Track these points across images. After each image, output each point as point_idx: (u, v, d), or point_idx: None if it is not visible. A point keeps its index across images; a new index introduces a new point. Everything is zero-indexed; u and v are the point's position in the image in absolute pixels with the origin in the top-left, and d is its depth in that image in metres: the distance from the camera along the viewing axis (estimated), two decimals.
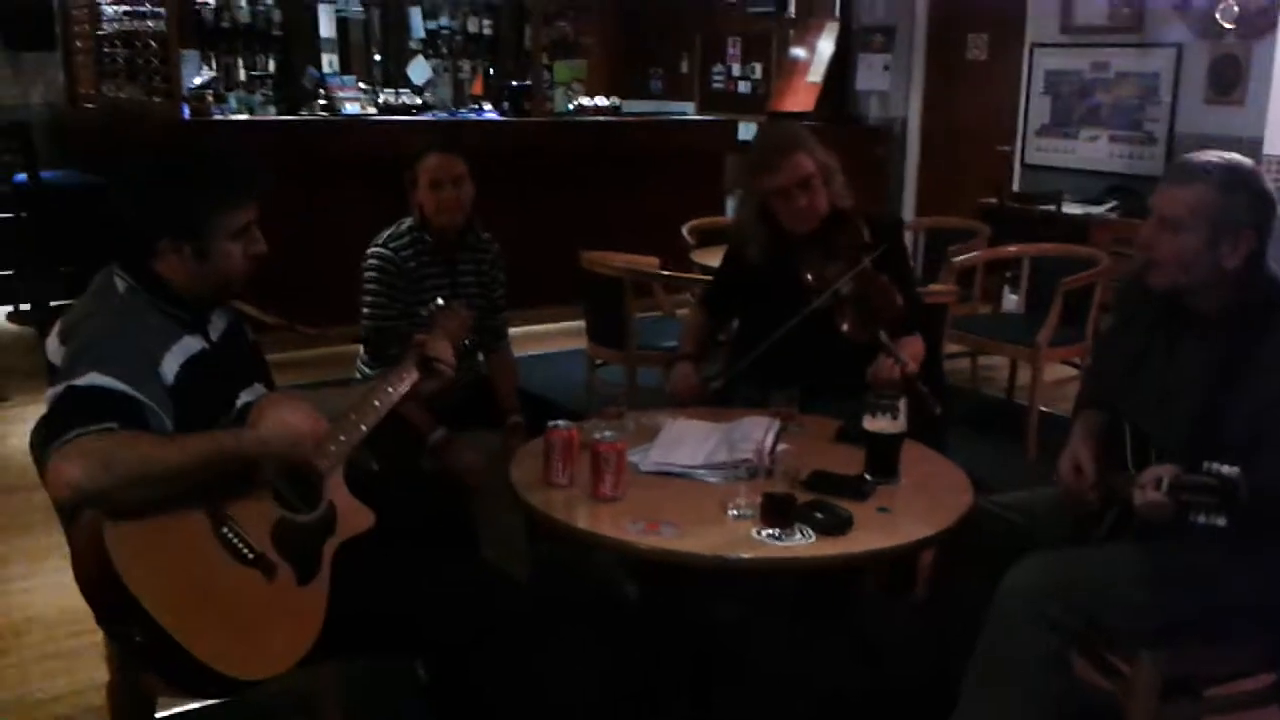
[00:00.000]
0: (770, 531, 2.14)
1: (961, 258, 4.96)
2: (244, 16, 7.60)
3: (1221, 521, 1.86)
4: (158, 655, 1.78)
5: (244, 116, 6.45)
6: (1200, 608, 2.11)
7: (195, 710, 2.58)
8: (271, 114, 6.76)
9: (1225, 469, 1.86)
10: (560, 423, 2.39)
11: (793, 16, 8.90)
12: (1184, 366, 2.21)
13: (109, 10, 6.42)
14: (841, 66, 8.48)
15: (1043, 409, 4.65)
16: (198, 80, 6.54)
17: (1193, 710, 2.36)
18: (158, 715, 2.23)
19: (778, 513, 2.15)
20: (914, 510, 2.31)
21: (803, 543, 2.12)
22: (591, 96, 7.85)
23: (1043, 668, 2.09)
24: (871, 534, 2.18)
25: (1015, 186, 7.26)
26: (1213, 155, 2.20)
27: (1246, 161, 2.19)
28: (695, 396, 3.03)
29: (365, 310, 3.17)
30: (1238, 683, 2.31)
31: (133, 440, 1.79)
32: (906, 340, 2.90)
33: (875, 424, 2.42)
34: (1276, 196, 2.18)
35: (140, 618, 1.73)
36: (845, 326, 2.83)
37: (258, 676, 1.84)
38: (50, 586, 3.26)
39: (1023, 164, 7.39)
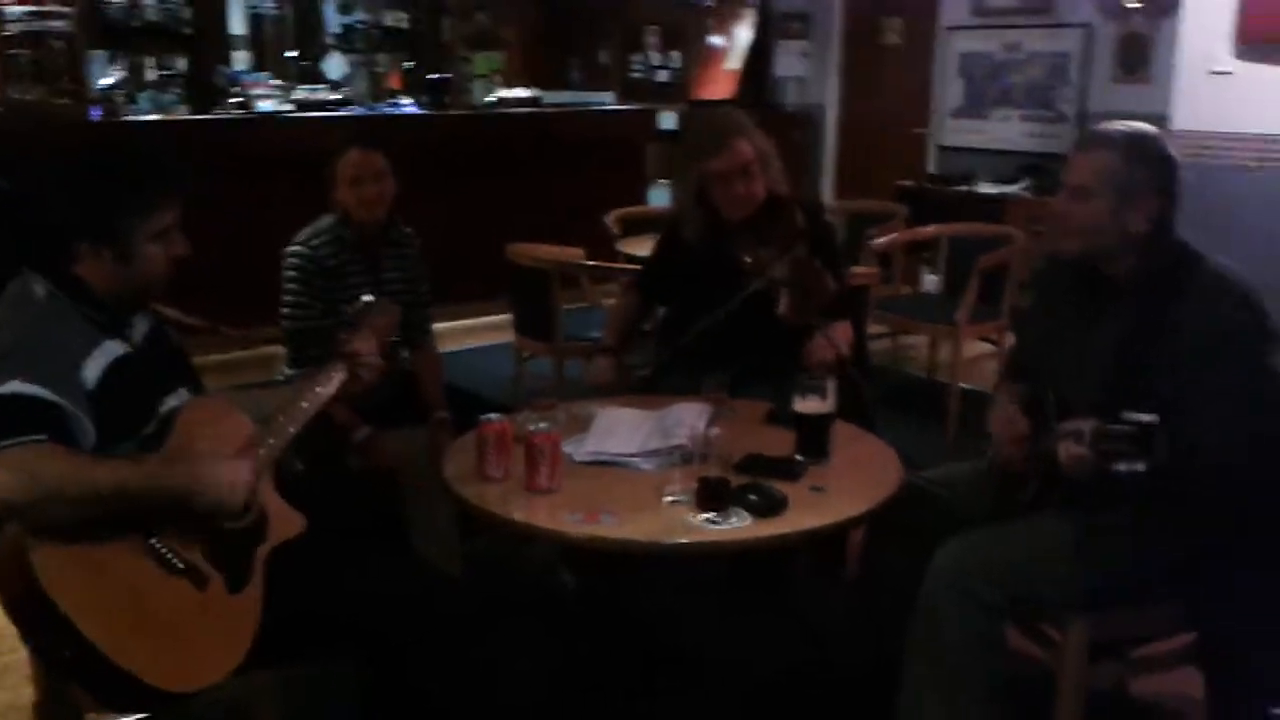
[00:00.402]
0: (707, 515, 2.16)
1: (880, 240, 5.03)
2: (153, 15, 7.43)
3: (1141, 467, 1.90)
4: (88, 671, 1.75)
5: (156, 116, 6.31)
6: (1122, 575, 2.17)
7: None
8: (184, 113, 6.62)
9: (1144, 416, 1.91)
10: (493, 416, 2.39)
11: (710, 4, 8.94)
12: (1099, 332, 2.27)
13: (13, 10, 6.23)
14: (760, 53, 8.54)
15: (963, 386, 4.73)
16: (107, 80, 6.38)
17: (1120, 671, 2.45)
18: None
19: (714, 497, 2.16)
20: (846, 488, 2.35)
21: (739, 525, 2.15)
22: (511, 88, 7.80)
23: (976, 646, 2.13)
24: (806, 513, 2.21)
25: (931, 168, 7.38)
26: (1119, 124, 2.27)
27: (1151, 129, 2.26)
28: (613, 389, 3.04)
29: (285, 311, 3.12)
30: (1160, 644, 2.39)
31: (64, 456, 1.76)
32: (838, 325, 2.94)
33: (805, 405, 2.45)
34: (1180, 163, 2.24)
35: (69, 633, 1.70)
36: (782, 310, 2.86)
37: (192, 688, 1.82)
38: None
39: (938, 146, 7.50)
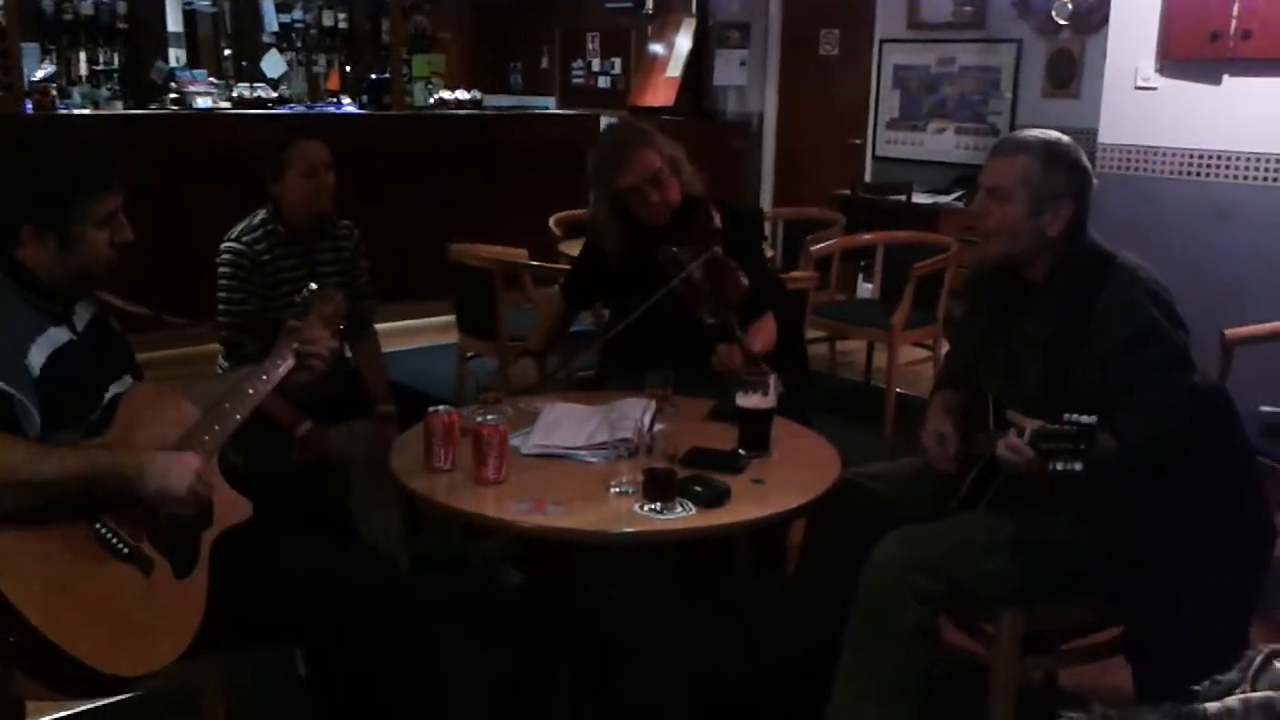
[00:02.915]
0: (653, 506, 2.19)
1: (818, 246, 5.11)
2: (87, 9, 7.30)
3: (1078, 467, 1.99)
4: (33, 657, 1.74)
5: (88, 111, 6.21)
6: (1053, 570, 2.24)
7: (69, 716, 2.50)
8: (118, 109, 6.52)
9: (1083, 418, 1.99)
10: (441, 408, 2.40)
11: (650, 13, 9.00)
12: (1026, 335, 2.34)
13: None
14: (699, 62, 8.61)
15: (899, 391, 4.83)
16: (39, 74, 6.27)
17: (1051, 663, 2.51)
18: None
19: (659, 488, 2.20)
20: (787, 481, 2.39)
21: (684, 515, 2.18)
22: (452, 90, 7.79)
23: (912, 638, 2.18)
24: (748, 504, 2.26)
25: (867, 178, 7.49)
26: (1034, 131, 2.36)
27: (1064, 137, 2.34)
28: (534, 391, 3.05)
29: (220, 307, 3.11)
30: (1089, 636, 2.46)
31: (11, 445, 1.75)
32: (759, 322, 2.99)
33: (747, 401, 2.50)
34: (1090, 170, 2.33)
35: (14, 619, 1.69)
36: (697, 310, 2.91)
37: (138, 673, 1.82)
38: None
39: (874, 156, 7.63)
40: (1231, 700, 1.36)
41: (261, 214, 3.15)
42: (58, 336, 1.96)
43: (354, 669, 2.05)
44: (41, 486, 1.75)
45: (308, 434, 2.92)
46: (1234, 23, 4.24)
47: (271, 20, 8.16)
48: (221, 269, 3.10)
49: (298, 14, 8.42)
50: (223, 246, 3.11)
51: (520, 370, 3.13)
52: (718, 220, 3.01)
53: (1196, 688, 1.54)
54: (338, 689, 2.08)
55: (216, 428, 2.07)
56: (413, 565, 2.96)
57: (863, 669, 2.22)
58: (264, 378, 2.20)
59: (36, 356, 1.89)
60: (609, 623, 2.97)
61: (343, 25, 8.66)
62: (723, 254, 2.91)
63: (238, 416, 2.11)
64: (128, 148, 2.08)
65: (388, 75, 7.53)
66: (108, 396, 2.02)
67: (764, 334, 2.98)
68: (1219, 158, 4.50)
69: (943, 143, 7.18)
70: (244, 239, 3.10)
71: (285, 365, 2.24)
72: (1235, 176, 4.46)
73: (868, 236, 5.50)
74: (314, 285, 2.52)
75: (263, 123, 6.24)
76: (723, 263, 2.91)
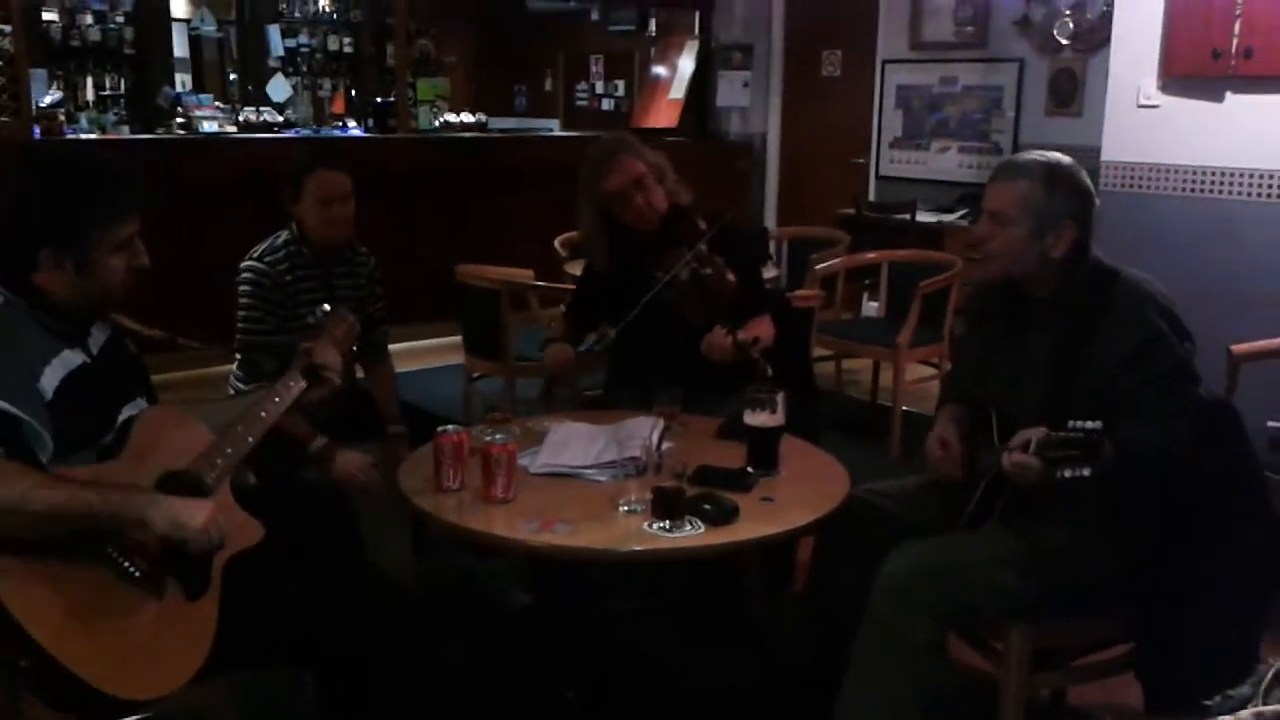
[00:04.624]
0: (661, 524, 2.20)
1: (823, 265, 5.12)
2: (94, 35, 7.36)
3: (1086, 472, 1.99)
4: (44, 681, 1.74)
5: (95, 136, 6.25)
6: (1063, 584, 2.24)
7: None
8: (125, 133, 6.56)
9: (1090, 424, 2.00)
10: (449, 427, 2.40)
11: (654, 35, 9.05)
12: (1029, 352, 2.35)
13: None
14: (702, 84, 8.64)
15: (905, 409, 4.83)
16: (46, 100, 6.31)
17: (1061, 680, 2.52)
18: None
19: (668, 506, 2.20)
20: (795, 499, 2.40)
21: (693, 533, 2.19)
22: (457, 113, 7.84)
23: (920, 652, 2.19)
24: (757, 522, 2.26)
25: (871, 197, 7.51)
26: (1035, 154, 2.37)
27: (1066, 159, 2.35)
28: (570, 369, 3.19)
29: (240, 325, 3.12)
30: (1099, 653, 2.45)
31: (19, 474, 1.76)
32: (755, 321, 3.01)
33: (755, 419, 2.51)
34: (1094, 190, 2.35)
35: (25, 643, 1.69)
36: (687, 311, 2.94)
37: (149, 696, 1.82)
38: None
39: (877, 175, 7.64)
40: (1244, 715, 1.37)
41: (284, 234, 3.16)
42: (72, 359, 1.97)
43: (364, 690, 2.05)
44: (50, 519, 1.75)
45: (323, 449, 2.93)
46: (1235, 40, 4.26)
47: (277, 45, 8.22)
48: (242, 288, 3.11)
49: (303, 38, 8.49)
50: (243, 265, 3.13)
51: (556, 350, 3.19)
52: (703, 225, 3.05)
53: (1208, 703, 1.55)
54: (348, 710, 2.08)
55: (229, 450, 2.07)
56: (421, 584, 2.96)
57: (869, 681, 2.22)
58: (276, 400, 2.21)
59: (50, 379, 1.90)
60: (618, 641, 2.97)
61: (348, 49, 8.73)
62: (708, 253, 2.95)
63: (250, 439, 2.12)
64: (144, 173, 2.08)
65: (393, 99, 7.59)
66: (121, 419, 2.03)
67: (760, 329, 3.00)
68: (1222, 175, 4.51)
69: (946, 162, 7.20)
70: (266, 259, 3.11)
71: (297, 387, 2.25)
72: (1239, 193, 4.47)
73: (872, 255, 5.50)
74: (327, 306, 2.54)
75: (272, 146, 6.28)
76: (708, 260, 2.94)
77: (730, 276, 2.96)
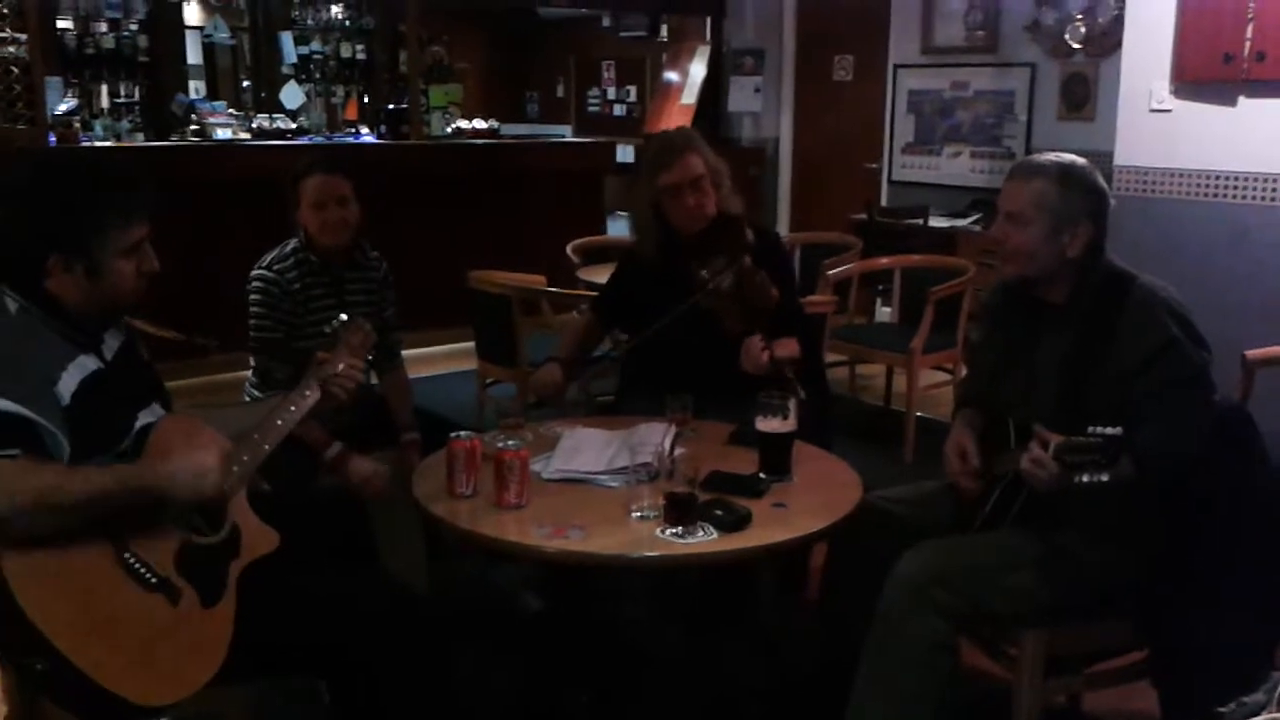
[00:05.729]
0: (674, 530, 2.20)
1: (836, 270, 5.12)
2: (108, 43, 7.40)
3: (1105, 478, 1.99)
4: (62, 685, 1.76)
5: (110, 143, 6.28)
6: (1077, 588, 2.24)
7: None
8: (140, 140, 6.60)
9: (1108, 430, 1.99)
10: (462, 433, 2.41)
11: (665, 40, 9.06)
12: (1045, 354, 2.36)
13: None
14: (714, 89, 8.66)
15: (919, 414, 4.82)
16: (62, 108, 6.35)
17: (1074, 685, 2.50)
18: None
19: (681, 512, 2.20)
20: (808, 505, 2.40)
21: (705, 539, 2.19)
22: (469, 120, 7.86)
23: (931, 652, 2.19)
24: (770, 528, 2.26)
25: (883, 202, 7.50)
26: (1050, 155, 2.37)
27: (1081, 160, 2.36)
28: (555, 393, 3.13)
29: (251, 334, 3.14)
30: (1114, 659, 2.44)
31: (37, 469, 1.77)
32: (784, 341, 3.01)
33: (767, 424, 2.51)
34: (1108, 192, 2.35)
35: (43, 647, 1.71)
36: (726, 320, 2.93)
37: (165, 702, 1.83)
38: None
39: (890, 180, 7.64)
40: None
41: (293, 243, 3.18)
42: (87, 364, 1.98)
43: (377, 697, 2.06)
44: (73, 508, 1.77)
45: (337, 455, 2.94)
46: (1248, 44, 4.25)
47: (290, 52, 8.24)
48: (252, 296, 3.13)
49: (316, 46, 8.51)
50: (253, 274, 3.14)
51: (544, 374, 3.17)
52: (751, 237, 3.05)
53: (1222, 709, 1.55)
54: (361, 717, 2.09)
55: (245, 458, 2.09)
56: (434, 590, 2.97)
57: (879, 679, 2.22)
58: (292, 409, 2.22)
59: (66, 385, 1.91)
60: (630, 646, 2.97)
61: (360, 56, 8.74)
62: (752, 264, 2.95)
63: (266, 447, 2.14)
64: (153, 178, 2.09)
65: (405, 105, 7.61)
66: (138, 425, 2.04)
67: (789, 349, 3.00)
68: (1235, 179, 4.50)
69: (958, 166, 7.19)
70: (275, 267, 3.13)
71: (313, 397, 2.26)
72: (1252, 198, 4.46)
73: (885, 260, 5.50)
74: (344, 316, 2.55)
75: (285, 152, 6.31)
76: (752, 273, 2.94)
77: (773, 290, 2.96)
